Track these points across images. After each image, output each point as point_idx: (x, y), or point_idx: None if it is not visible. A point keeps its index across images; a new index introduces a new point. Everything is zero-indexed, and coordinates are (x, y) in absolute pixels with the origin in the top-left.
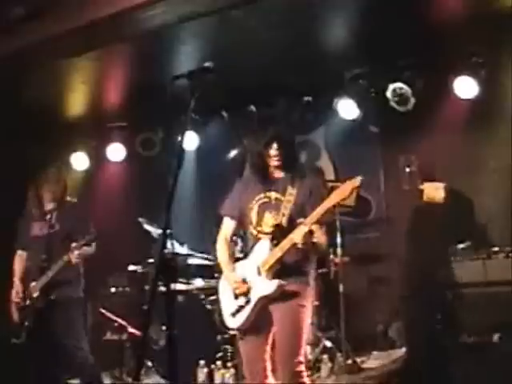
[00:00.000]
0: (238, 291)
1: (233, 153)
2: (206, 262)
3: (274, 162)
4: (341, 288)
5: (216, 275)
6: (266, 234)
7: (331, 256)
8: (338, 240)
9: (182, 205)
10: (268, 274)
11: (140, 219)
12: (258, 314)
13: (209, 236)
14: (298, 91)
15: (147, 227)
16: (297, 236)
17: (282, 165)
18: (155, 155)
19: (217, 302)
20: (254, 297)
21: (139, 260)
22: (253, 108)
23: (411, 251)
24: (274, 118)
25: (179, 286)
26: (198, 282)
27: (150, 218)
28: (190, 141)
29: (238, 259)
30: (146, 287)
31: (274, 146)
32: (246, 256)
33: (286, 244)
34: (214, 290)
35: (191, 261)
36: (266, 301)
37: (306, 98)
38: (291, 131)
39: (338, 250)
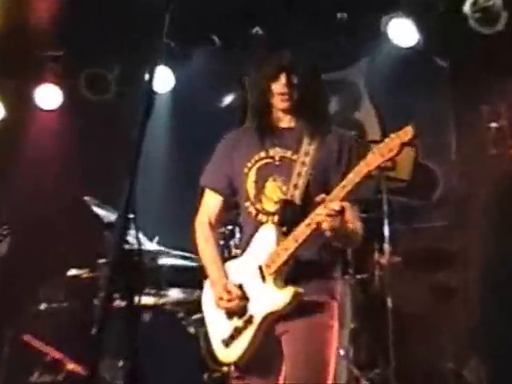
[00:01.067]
0: (230, 306)
1: (228, 98)
2: (187, 263)
3: (280, 102)
4: (389, 302)
5: (203, 283)
6: (270, 214)
7: (375, 255)
8: (386, 231)
9: (151, 177)
10: (276, 279)
11: (86, 198)
12: (264, 340)
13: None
14: (327, 4)
15: (97, 210)
16: (319, 218)
17: (294, 108)
18: (109, 101)
19: (203, 322)
20: (258, 314)
21: (84, 260)
22: (259, 30)
23: (497, 248)
24: (289, 42)
25: (146, 299)
26: (175, 293)
27: (101, 196)
28: (163, 80)
29: (231, 257)
30: (95, 301)
31: (283, 78)
32: (242, 251)
33: (302, 232)
34: (198, 305)
35: (164, 261)
36: (274, 320)
37: (339, 15)
38: (312, 60)
39: (386, 247)
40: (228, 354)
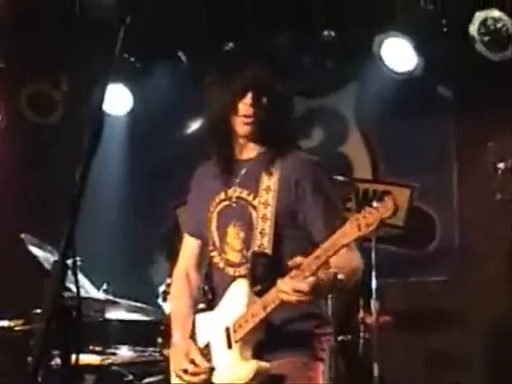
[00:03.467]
0: (194, 381)
1: (195, 124)
2: (140, 317)
3: (242, 126)
4: (375, 370)
5: (159, 340)
6: (236, 265)
7: (360, 313)
8: (374, 285)
9: (101, 215)
10: (243, 347)
11: (23, 236)
12: None
13: (148, 271)
14: (312, 20)
15: (35, 251)
16: (286, 297)
17: (257, 134)
18: (54, 123)
19: None
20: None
21: (18, 310)
22: (233, 46)
23: (502, 310)
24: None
25: (89, 358)
26: (124, 352)
27: (40, 234)
28: (119, 100)
29: (204, 309)
30: (29, 359)
31: (248, 97)
32: (211, 305)
33: (271, 300)
34: (152, 367)
35: (113, 313)
36: None
37: (325, 33)
38: (285, 78)
39: (373, 304)
40: None
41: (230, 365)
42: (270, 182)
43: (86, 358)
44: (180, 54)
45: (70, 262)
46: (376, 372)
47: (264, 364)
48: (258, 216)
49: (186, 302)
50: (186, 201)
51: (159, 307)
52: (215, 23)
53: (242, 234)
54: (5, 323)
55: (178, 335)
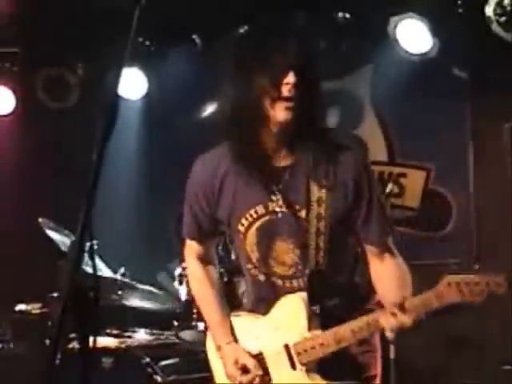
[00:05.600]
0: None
1: (210, 108)
2: (157, 300)
3: (283, 111)
4: (392, 352)
5: (175, 323)
6: (286, 278)
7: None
8: None
9: (118, 198)
10: (309, 371)
11: (40, 220)
12: None
13: (164, 255)
14: (327, 2)
15: (52, 235)
16: (386, 324)
17: (297, 122)
18: (70, 108)
19: (173, 369)
20: None
21: (35, 293)
22: (247, 30)
23: None
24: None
25: (107, 341)
26: (141, 335)
27: (57, 218)
28: (134, 84)
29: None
30: (47, 342)
31: (291, 77)
32: (251, 311)
33: (345, 337)
34: (169, 349)
35: (130, 297)
36: None
37: (340, 15)
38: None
39: None
40: None
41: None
42: (321, 193)
43: (103, 341)
44: (195, 37)
45: (87, 244)
46: (392, 354)
47: None
48: (311, 231)
49: (211, 293)
50: None
51: (175, 290)
52: (229, 6)
53: (297, 251)
54: (23, 307)
55: (219, 338)
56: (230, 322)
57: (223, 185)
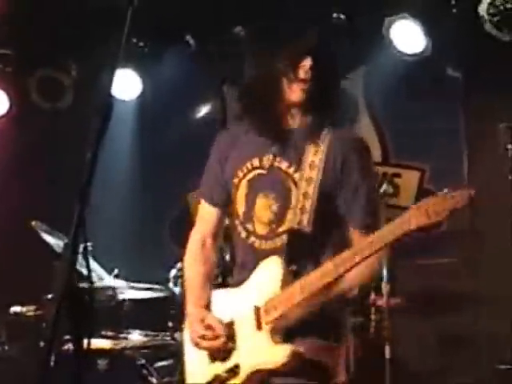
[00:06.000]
0: (212, 345)
1: (204, 109)
2: (151, 301)
3: (297, 92)
4: (387, 352)
5: (170, 324)
6: (262, 238)
7: (371, 296)
8: (384, 268)
9: (111, 200)
10: (274, 330)
11: (34, 223)
12: None
13: (159, 256)
14: (322, 3)
15: (46, 237)
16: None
17: (308, 103)
18: (64, 109)
19: (168, 370)
20: (245, 367)
21: (30, 295)
22: (241, 30)
23: None
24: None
25: (101, 342)
26: (136, 337)
27: (51, 221)
28: (129, 85)
29: (222, 285)
30: (42, 344)
31: (308, 62)
32: (236, 280)
33: (311, 284)
34: (164, 351)
35: (124, 298)
36: (265, 377)
37: (335, 16)
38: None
39: (384, 286)
40: None
41: (260, 348)
42: (315, 158)
43: (98, 343)
44: (188, 38)
45: (81, 246)
46: (388, 354)
47: (298, 348)
48: (300, 192)
49: (199, 271)
50: (195, 185)
51: (170, 292)
52: (222, 7)
53: (274, 207)
54: (17, 309)
55: (191, 305)
56: (209, 298)
57: (237, 143)
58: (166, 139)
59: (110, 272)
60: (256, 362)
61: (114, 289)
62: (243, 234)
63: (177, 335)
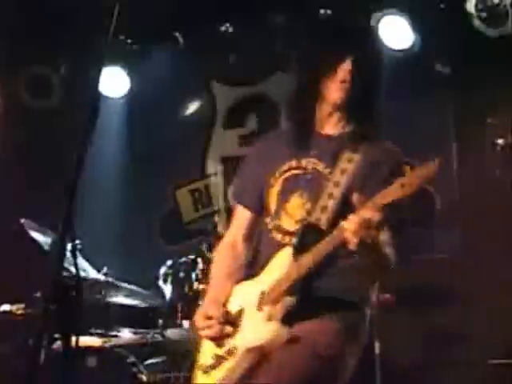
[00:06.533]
0: (208, 334)
1: (193, 106)
2: (141, 299)
3: (337, 92)
4: (377, 348)
5: (160, 322)
6: (288, 233)
7: None
8: None
9: (100, 198)
10: (273, 311)
11: (23, 221)
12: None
13: (149, 254)
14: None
15: (35, 235)
16: (348, 226)
17: (347, 106)
18: (53, 107)
19: (158, 367)
20: (240, 346)
21: (19, 294)
22: (229, 27)
23: (506, 288)
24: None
25: (91, 340)
26: (125, 334)
27: (41, 219)
28: (116, 83)
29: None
30: (31, 342)
31: (348, 63)
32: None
33: (320, 249)
34: (153, 348)
35: (114, 296)
36: (257, 357)
37: (322, 12)
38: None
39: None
40: (204, 382)
41: (254, 327)
42: (348, 165)
43: (88, 341)
44: (177, 35)
45: (69, 244)
46: (377, 350)
47: (282, 328)
48: (326, 192)
49: (223, 272)
50: (184, 183)
51: (159, 289)
52: (211, 4)
53: (307, 206)
54: (6, 307)
55: (206, 300)
56: (228, 294)
57: (272, 149)
58: (154, 137)
59: (99, 270)
60: (248, 340)
61: (103, 287)
62: (270, 229)
63: (167, 332)
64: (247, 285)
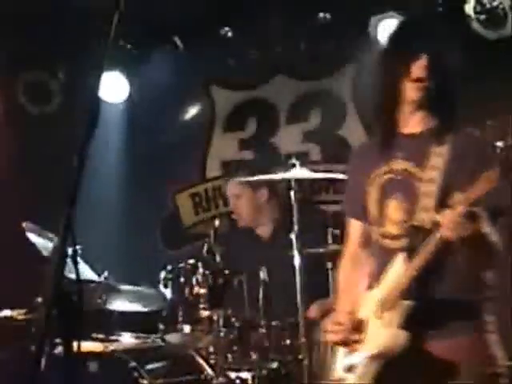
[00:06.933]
0: (335, 339)
1: (193, 110)
2: (142, 304)
3: (415, 90)
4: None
5: (161, 326)
6: (395, 238)
7: None
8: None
9: (101, 204)
10: (391, 316)
11: (24, 224)
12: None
13: (149, 258)
14: (307, 2)
15: (35, 239)
16: (445, 222)
17: (428, 102)
18: (52, 113)
19: (159, 372)
20: (365, 354)
21: (20, 299)
22: (229, 31)
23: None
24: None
25: (92, 345)
26: (126, 339)
27: (41, 221)
28: (116, 88)
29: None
30: (33, 347)
31: (423, 60)
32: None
33: (425, 250)
34: (155, 353)
35: (115, 301)
36: (381, 363)
37: (321, 15)
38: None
39: None
40: None
41: (375, 333)
42: (437, 160)
43: (89, 346)
44: (176, 39)
45: (70, 249)
46: None
47: (401, 332)
48: (422, 192)
49: (347, 284)
50: (184, 187)
51: (160, 293)
52: (210, 8)
53: (404, 207)
54: (8, 312)
55: (338, 308)
56: (355, 300)
57: (365, 158)
58: (154, 141)
59: (99, 274)
60: (370, 347)
61: (104, 292)
62: (377, 237)
63: (168, 337)
64: (368, 293)
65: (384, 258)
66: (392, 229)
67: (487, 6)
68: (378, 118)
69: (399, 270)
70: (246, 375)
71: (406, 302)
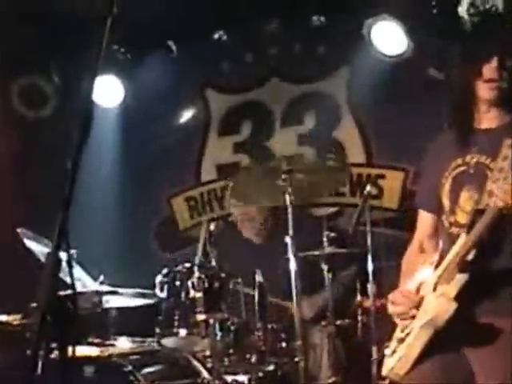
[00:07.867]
0: (395, 311)
1: (187, 114)
2: (138, 305)
3: (488, 91)
4: (374, 353)
5: (157, 330)
6: (462, 226)
7: (357, 297)
8: (370, 269)
9: (95, 208)
10: (446, 289)
11: (19, 230)
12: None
13: (145, 262)
14: (301, 6)
15: (29, 244)
16: (497, 191)
17: (502, 100)
18: (47, 117)
19: (155, 376)
20: (416, 325)
21: (16, 305)
22: (223, 35)
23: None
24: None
25: (88, 350)
26: (122, 343)
27: (36, 227)
28: (111, 92)
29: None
30: (28, 352)
31: (494, 61)
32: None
33: (481, 223)
34: (150, 357)
35: (111, 305)
36: (432, 333)
37: (315, 19)
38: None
39: (370, 287)
40: (387, 365)
41: (426, 304)
42: (509, 151)
43: (85, 350)
44: (170, 43)
45: (65, 254)
46: (375, 355)
47: (450, 302)
48: (491, 178)
49: (410, 264)
50: (179, 190)
51: (156, 297)
52: (204, 12)
53: (475, 197)
54: (3, 318)
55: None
56: (417, 282)
57: (434, 157)
58: (149, 145)
59: (95, 279)
60: (420, 318)
61: (99, 296)
62: (447, 225)
63: (164, 341)
64: (430, 275)
65: (451, 245)
66: (462, 218)
67: (480, 9)
68: (456, 115)
69: (456, 248)
70: (242, 378)
71: (461, 275)
